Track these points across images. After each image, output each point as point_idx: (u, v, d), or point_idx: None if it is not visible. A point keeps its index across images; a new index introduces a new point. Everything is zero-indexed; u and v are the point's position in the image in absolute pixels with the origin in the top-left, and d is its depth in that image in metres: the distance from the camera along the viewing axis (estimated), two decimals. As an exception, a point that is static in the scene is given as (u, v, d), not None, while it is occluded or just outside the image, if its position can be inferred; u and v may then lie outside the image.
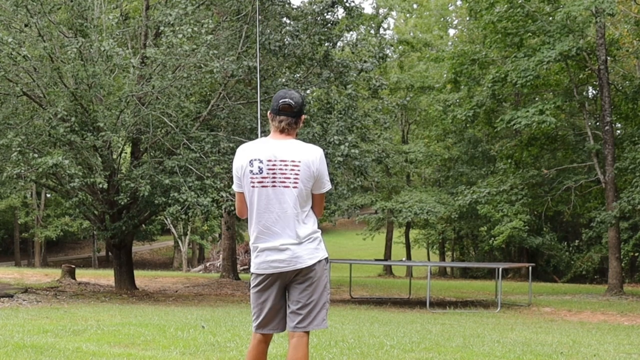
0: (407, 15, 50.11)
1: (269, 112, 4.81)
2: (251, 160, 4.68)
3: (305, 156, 4.67)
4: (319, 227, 4.83)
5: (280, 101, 4.73)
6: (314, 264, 4.69)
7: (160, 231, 54.73)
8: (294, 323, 4.71)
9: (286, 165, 4.64)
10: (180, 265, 50.55)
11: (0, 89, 18.10)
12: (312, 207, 4.80)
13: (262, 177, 4.65)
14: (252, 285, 4.86)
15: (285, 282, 4.74)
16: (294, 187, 4.64)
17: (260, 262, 4.72)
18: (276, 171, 4.64)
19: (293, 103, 4.72)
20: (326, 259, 4.79)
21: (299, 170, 4.64)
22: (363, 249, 54.68)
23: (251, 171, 4.67)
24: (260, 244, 4.71)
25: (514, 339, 10.41)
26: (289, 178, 4.63)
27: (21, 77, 17.90)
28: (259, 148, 4.71)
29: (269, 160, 4.65)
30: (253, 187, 4.68)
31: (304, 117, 4.84)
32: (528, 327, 13.21)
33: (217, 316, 12.97)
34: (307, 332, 4.73)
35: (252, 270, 4.82)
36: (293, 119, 4.75)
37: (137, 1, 23.51)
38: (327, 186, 4.77)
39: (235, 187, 4.83)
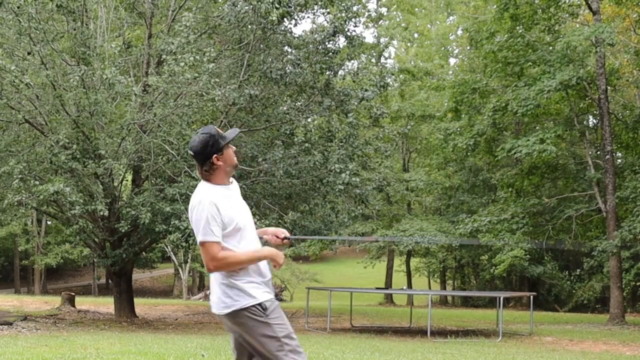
0: (408, 44, 50.41)
1: None
2: None
3: (191, 202, 4.56)
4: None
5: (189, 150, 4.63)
6: (228, 314, 4.48)
7: (160, 259, 54.83)
8: None
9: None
10: (180, 293, 50.40)
11: (2, 117, 18.19)
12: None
13: None
14: None
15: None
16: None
17: None
18: None
19: (191, 151, 4.55)
20: (249, 307, 4.42)
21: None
22: (364, 277, 54.50)
23: None
24: None
25: (515, 369, 10.34)
26: None
27: (23, 104, 17.98)
28: None
29: None
30: None
31: (215, 157, 4.50)
32: (530, 357, 13.13)
33: (217, 345, 12.90)
34: None
35: None
36: (199, 165, 4.57)
37: (140, 30, 23.67)
38: (199, 237, 4.42)
39: None
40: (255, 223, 16.63)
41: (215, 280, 4.55)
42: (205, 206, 4.40)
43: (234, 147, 4.69)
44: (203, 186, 4.54)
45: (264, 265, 4.58)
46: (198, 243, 4.43)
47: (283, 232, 4.96)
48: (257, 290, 4.45)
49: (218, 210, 4.41)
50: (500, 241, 28.53)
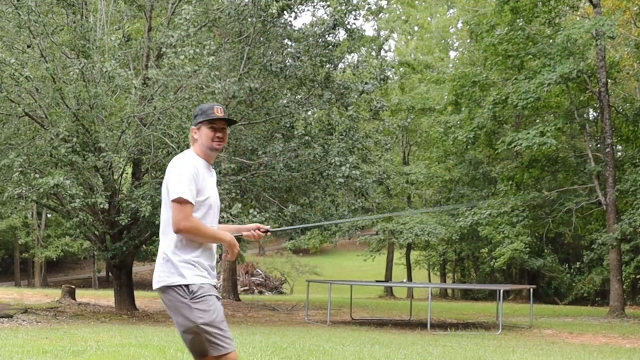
0: (408, 37, 50.33)
1: None
2: None
3: (171, 163, 4.57)
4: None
5: None
6: (159, 289, 4.48)
7: (160, 252, 54.66)
8: None
9: None
10: (180, 286, 50.37)
11: (2, 110, 18.18)
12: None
13: None
14: None
15: None
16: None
17: None
18: None
19: None
20: (178, 286, 4.39)
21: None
22: (364, 270, 54.55)
23: None
24: None
25: (515, 362, 10.36)
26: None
27: (23, 97, 17.97)
28: None
29: None
30: None
31: (192, 128, 4.65)
32: (529, 350, 13.15)
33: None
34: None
35: None
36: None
37: (140, 23, 23.63)
38: (178, 192, 4.35)
39: None
40: (255, 216, 16.61)
41: (159, 252, 4.51)
42: (187, 167, 4.44)
43: (220, 132, 4.62)
44: (188, 151, 4.63)
45: (211, 249, 4.57)
46: (174, 197, 4.36)
47: (264, 227, 4.90)
48: (189, 271, 4.40)
49: (198, 174, 4.46)
50: (500, 234, 28.60)
